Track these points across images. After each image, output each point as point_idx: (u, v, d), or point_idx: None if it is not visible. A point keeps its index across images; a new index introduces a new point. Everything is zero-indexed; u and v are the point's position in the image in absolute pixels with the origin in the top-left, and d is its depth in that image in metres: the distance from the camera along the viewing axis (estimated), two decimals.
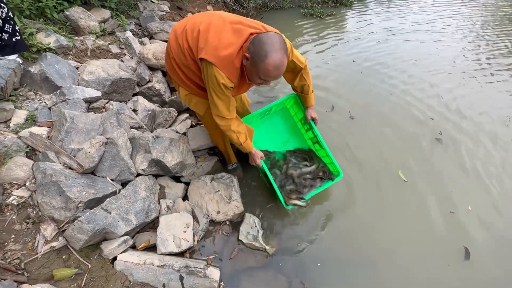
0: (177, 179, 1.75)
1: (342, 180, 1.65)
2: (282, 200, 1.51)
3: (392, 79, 2.94)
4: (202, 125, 1.99)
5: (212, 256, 1.43)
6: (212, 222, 1.56)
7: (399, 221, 1.65)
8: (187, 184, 1.71)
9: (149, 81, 2.25)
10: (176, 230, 1.41)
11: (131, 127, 1.79)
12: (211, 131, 1.71)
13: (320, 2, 5.19)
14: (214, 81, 1.17)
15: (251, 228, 1.50)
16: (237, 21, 1.19)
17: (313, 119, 1.68)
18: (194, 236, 1.44)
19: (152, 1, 3.46)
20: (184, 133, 1.96)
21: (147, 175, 1.55)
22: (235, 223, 1.58)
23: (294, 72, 1.46)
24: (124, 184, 1.45)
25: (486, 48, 3.66)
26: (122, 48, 2.52)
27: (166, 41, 2.79)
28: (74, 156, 1.37)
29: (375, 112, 2.46)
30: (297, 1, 5.18)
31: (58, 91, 1.64)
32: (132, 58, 2.41)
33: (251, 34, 1.13)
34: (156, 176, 1.67)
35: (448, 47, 3.62)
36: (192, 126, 2.07)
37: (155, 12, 3.20)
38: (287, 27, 3.99)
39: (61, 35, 2.10)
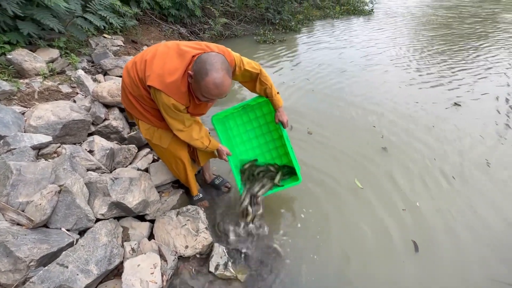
0: (141, 218, 1.71)
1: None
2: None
3: (341, 94, 3.25)
4: None
5: None
6: (181, 258, 1.54)
7: (359, 225, 1.79)
8: (153, 221, 1.68)
9: (105, 119, 2.21)
10: (142, 273, 1.37)
11: (88, 170, 1.73)
12: (170, 166, 1.72)
13: (271, 29, 5.60)
14: (165, 104, 1.24)
15: (220, 258, 1.51)
16: (182, 44, 1.27)
17: (281, 122, 1.67)
18: (162, 276, 1.41)
19: (104, 37, 3.45)
20: (146, 169, 1.94)
21: (108, 219, 1.50)
22: (205, 255, 1.57)
23: (252, 79, 1.54)
24: (82, 233, 1.39)
25: (415, 62, 4.23)
26: (74, 87, 2.46)
27: (121, 76, 2.79)
28: (23, 211, 1.28)
29: (329, 126, 2.70)
30: (251, 29, 5.54)
31: (2, 141, 1.55)
32: (86, 96, 2.36)
33: (193, 56, 1.20)
34: (118, 218, 1.62)
35: (389, 71, 4.11)
36: (154, 161, 2.05)
37: (108, 48, 3.19)
38: (243, 54, 4.22)
39: (3, 79, 2.00)
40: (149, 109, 1.43)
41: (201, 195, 1.89)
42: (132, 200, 1.50)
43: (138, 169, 1.87)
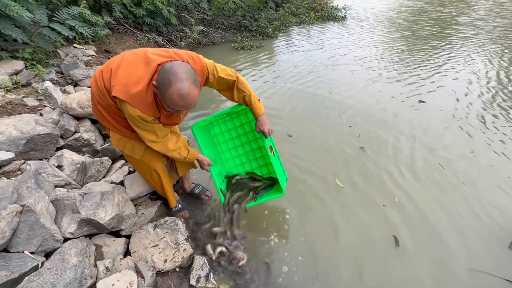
0: (116, 233, 1.62)
1: (287, 195, 1.76)
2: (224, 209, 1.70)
3: (318, 96, 3.32)
4: None
5: None
6: (160, 273, 1.46)
7: (341, 224, 1.80)
8: (129, 237, 1.59)
9: (75, 132, 2.10)
10: None
11: (56, 186, 1.62)
12: (146, 177, 1.66)
13: (249, 36, 5.66)
14: (131, 116, 1.18)
15: (201, 269, 1.45)
16: (150, 52, 1.20)
17: (262, 132, 1.56)
18: None
19: (75, 47, 3.33)
20: (121, 182, 1.85)
21: (78, 237, 1.41)
22: (186, 268, 1.51)
23: (229, 87, 1.46)
24: (48, 255, 1.28)
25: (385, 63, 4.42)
26: (41, 100, 2.33)
27: None
28: None
29: (308, 128, 2.73)
30: (228, 36, 5.56)
31: None
32: (54, 109, 2.24)
33: (159, 65, 1.13)
34: (90, 236, 1.52)
35: (359, 71, 4.26)
36: (130, 173, 1.97)
37: (79, 58, 3.07)
38: (222, 61, 4.22)
39: None
40: (118, 119, 1.37)
41: (180, 206, 1.82)
42: (104, 216, 1.42)
43: (112, 182, 1.78)
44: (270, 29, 5.82)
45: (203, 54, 1.33)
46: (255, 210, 1.83)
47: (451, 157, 2.40)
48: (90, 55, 3.33)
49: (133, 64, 1.18)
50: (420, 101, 3.27)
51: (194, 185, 1.99)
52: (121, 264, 1.43)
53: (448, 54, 4.84)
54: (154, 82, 1.11)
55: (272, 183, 1.84)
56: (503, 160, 2.36)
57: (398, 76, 3.93)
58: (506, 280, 1.49)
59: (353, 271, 1.55)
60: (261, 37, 5.69)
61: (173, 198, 1.76)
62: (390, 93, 3.42)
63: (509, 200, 1.98)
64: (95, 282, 1.32)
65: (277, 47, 5.22)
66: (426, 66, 4.30)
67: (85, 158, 2.00)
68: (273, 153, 1.69)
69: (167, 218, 1.65)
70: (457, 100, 3.29)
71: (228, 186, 1.82)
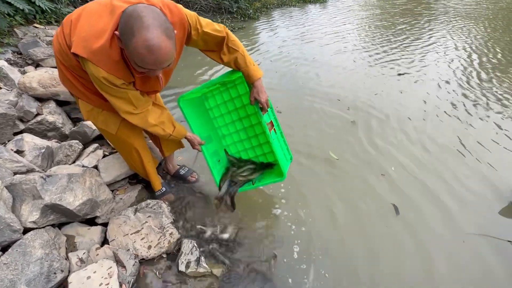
0: (91, 222, 1.43)
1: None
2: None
3: (307, 75, 3.19)
4: (117, 152, 1.72)
5: None
6: (145, 261, 1.30)
7: (340, 197, 1.71)
8: (106, 225, 1.41)
9: (38, 114, 1.85)
10: (94, 286, 1.11)
11: (16, 173, 1.40)
12: (125, 155, 1.47)
13: (229, 17, 5.41)
14: (95, 78, 0.98)
15: (191, 254, 1.30)
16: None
17: (257, 102, 1.29)
18: (121, 286, 1.16)
19: (35, 27, 2.97)
20: (96, 167, 1.64)
21: (43, 227, 1.21)
22: (174, 254, 1.35)
23: (218, 45, 1.22)
24: (5, 248, 1.08)
25: (371, 46, 4.35)
26: None
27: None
28: None
29: (296, 105, 2.60)
30: (208, 17, 5.26)
31: None
32: (11, 90, 1.96)
33: (123, 11, 0.88)
34: (60, 225, 1.33)
35: (346, 51, 4.17)
36: (105, 156, 1.76)
37: (40, 38, 2.74)
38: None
39: None
40: (87, 84, 1.15)
41: (164, 189, 1.65)
42: (73, 201, 1.22)
43: (84, 167, 1.57)
44: (251, 11, 5.59)
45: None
46: (249, 192, 1.69)
47: (442, 124, 2.37)
48: (53, 36, 2.99)
49: (95, 14, 0.96)
50: (399, 74, 3.26)
51: (179, 166, 1.82)
52: (97, 254, 1.25)
53: (429, 36, 4.85)
54: (116, 32, 0.90)
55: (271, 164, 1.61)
56: (499, 122, 2.38)
57: (380, 54, 3.87)
58: (508, 241, 1.45)
59: (355, 241, 1.46)
60: (242, 19, 5.46)
61: (157, 180, 1.58)
62: (380, 71, 3.36)
63: (508, 163, 1.97)
64: (68, 276, 1.14)
65: (258, 28, 5.01)
66: (407, 46, 4.27)
67: (52, 143, 1.77)
68: (274, 130, 1.49)
69: (148, 201, 1.47)
70: (439, 77, 3.29)
71: (225, 170, 1.62)
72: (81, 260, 1.24)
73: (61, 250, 1.23)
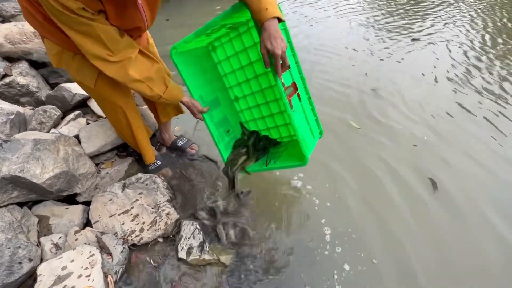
0: (71, 200, 1.18)
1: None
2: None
3: (313, 41, 2.83)
4: (102, 119, 1.44)
5: None
6: (137, 247, 1.06)
7: (364, 167, 1.46)
8: (89, 203, 1.16)
9: (5, 75, 1.55)
10: (71, 279, 0.88)
11: None
12: (111, 118, 1.20)
13: None
14: (45, 2, 0.69)
15: (193, 238, 1.06)
16: None
17: (270, 54, 0.83)
18: (107, 277, 0.93)
19: None
20: (77, 137, 1.37)
21: (4, 206, 0.96)
22: (172, 238, 1.11)
23: None
24: None
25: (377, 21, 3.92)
26: None
27: None
28: None
29: (315, 75, 2.28)
30: None
31: None
32: None
33: None
34: (30, 204, 1.08)
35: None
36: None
37: None
38: (201, 12, 3.56)
39: None
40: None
41: (159, 163, 1.39)
42: (40, 173, 0.96)
43: (60, 134, 1.29)
44: None
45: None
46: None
47: (472, 89, 2.07)
48: None
49: None
50: (413, 39, 2.89)
51: (176, 136, 1.54)
52: (76, 239, 1.01)
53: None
54: None
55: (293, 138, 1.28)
56: None
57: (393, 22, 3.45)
58: None
59: (392, 219, 1.22)
60: None
61: (150, 151, 1.32)
62: (385, 34, 2.98)
63: None
64: (38, 266, 0.91)
65: None
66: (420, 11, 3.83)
67: (24, 110, 1.49)
68: (298, 95, 1.04)
69: (140, 174, 1.22)
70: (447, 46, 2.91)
71: (236, 142, 1.29)
72: (56, 246, 1.00)
73: (30, 235, 0.99)
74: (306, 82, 1.10)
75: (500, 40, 2.90)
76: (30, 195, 1.02)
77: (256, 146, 1.24)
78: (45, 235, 1.03)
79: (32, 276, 0.93)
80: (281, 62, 0.84)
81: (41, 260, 0.97)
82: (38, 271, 0.87)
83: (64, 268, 0.90)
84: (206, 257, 1.03)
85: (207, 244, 1.06)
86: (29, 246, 0.92)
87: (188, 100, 1.05)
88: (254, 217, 1.20)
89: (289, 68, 0.91)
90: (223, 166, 1.19)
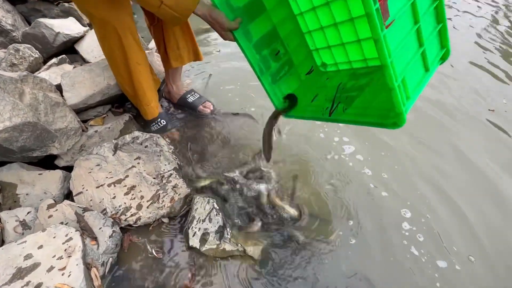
0: (48, 164, 0.90)
1: None
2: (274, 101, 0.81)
3: None
4: (91, 63, 1.12)
5: None
6: (132, 230, 0.78)
7: (430, 133, 1.11)
8: (71, 169, 0.87)
9: None
10: (38, 273, 0.61)
11: None
12: (103, 45, 0.90)
13: None
14: None
15: (208, 220, 0.77)
16: None
17: None
18: (89, 270, 0.66)
19: None
20: (59, 86, 1.05)
21: None
22: (180, 220, 0.82)
23: None
24: None
25: None
26: None
27: None
28: None
29: None
30: None
31: None
32: None
33: None
34: None
35: None
36: None
37: None
38: None
39: None
40: None
41: (164, 122, 1.08)
42: None
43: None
44: None
45: None
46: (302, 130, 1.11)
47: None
48: None
49: None
50: None
51: (186, 91, 1.21)
52: (50, 216, 0.73)
53: None
54: None
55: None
56: None
57: None
58: None
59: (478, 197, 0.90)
60: None
61: (152, 102, 1.01)
62: None
63: None
64: None
65: None
66: None
67: None
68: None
69: (137, 133, 0.91)
70: None
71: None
72: (23, 224, 0.73)
73: None
74: None
75: None
76: None
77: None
78: (10, 209, 0.76)
79: None
80: None
81: (2, 243, 0.71)
82: None
83: (28, 257, 0.64)
84: (227, 247, 0.74)
85: (228, 229, 0.77)
86: None
87: (207, 11, 0.68)
88: (292, 193, 0.90)
89: None
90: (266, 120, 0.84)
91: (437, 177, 0.99)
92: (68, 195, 0.84)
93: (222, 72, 1.40)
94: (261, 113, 1.17)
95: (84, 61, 1.30)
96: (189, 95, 1.19)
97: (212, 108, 1.20)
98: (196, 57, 1.09)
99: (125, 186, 0.80)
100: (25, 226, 0.73)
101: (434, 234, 0.84)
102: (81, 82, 1.02)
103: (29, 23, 1.47)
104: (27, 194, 0.79)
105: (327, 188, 0.93)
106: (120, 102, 1.15)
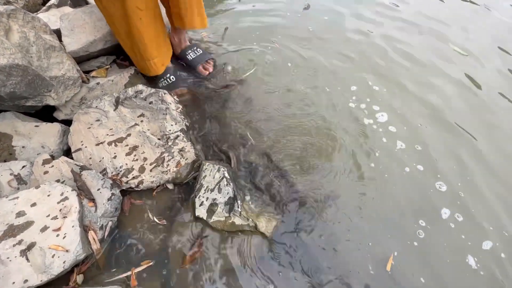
0: (47, 116, 0.82)
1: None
2: None
3: None
4: (91, 4, 0.98)
5: (142, 268, 0.63)
6: (134, 193, 0.71)
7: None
8: (71, 123, 0.79)
9: None
10: (31, 232, 0.56)
11: None
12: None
13: None
14: None
15: (217, 190, 0.68)
16: None
17: None
18: (87, 232, 0.61)
19: None
20: (58, 31, 0.93)
21: None
22: (187, 187, 0.75)
23: None
24: None
25: None
26: None
27: None
28: None
29: None
30: None
31: None
32: None
33: None
34: None
35: None
36: None
37: None
38: None
39: None
40: None
41: (173, 78, 0.96)
42: None
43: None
44: None
45: None
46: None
47: None
48: None
49: None
50: None
51: (189, 44, 1.06)
52: (46, 172, 0.67)
53: None
54: None
55: None
56: None
57: None
58: None
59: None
60: None
61: (159, 55, 0.88)
62: None
63: None
64: None
65: None
66: None
67: None
68: None
69: (141, 86, 0.80)
70: None
71: None
72: (18, 178, 0.67)
73: None
74: None
75: None
76: None
77: None
78: (5, 161, 0.71)
79: None
80: None
81: None
82: None
83: (20, 214, 0.58)
84: (237, 220, 0.67)
85: (239, 201, 0.68)
86: None
87: None
88: (311, 161, 0.79)
89: None
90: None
91: (471, 151, 0.85)
92: (68, 152, 0.77)
93: (239, 27, 1.23)
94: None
95: (87, 4, 1.17)
96: (190, 51, 1.04)
97: (211, 70, 1.05)
98: (201, 23, 0.92)
99: (127, 145, 0.72)
100: (21, 181, 0.67)
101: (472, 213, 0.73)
102: (81, 26, 0.90)
103: None
104: (23, 147, 0.73)
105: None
106: (126, 54, 1.03)
